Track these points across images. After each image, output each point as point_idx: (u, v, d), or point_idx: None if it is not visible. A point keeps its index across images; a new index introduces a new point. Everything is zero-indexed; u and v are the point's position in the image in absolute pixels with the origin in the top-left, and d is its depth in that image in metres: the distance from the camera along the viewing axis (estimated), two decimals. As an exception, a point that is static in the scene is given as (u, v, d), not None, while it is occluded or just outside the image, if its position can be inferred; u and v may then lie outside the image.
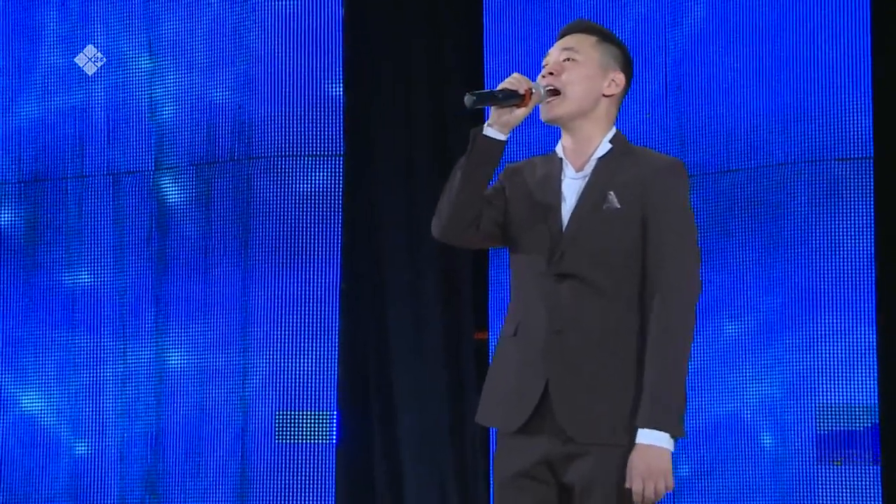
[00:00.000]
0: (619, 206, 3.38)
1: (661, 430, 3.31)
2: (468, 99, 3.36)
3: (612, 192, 3.39)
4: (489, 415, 3.49)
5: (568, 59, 3.46)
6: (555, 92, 3.44)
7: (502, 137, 3.38)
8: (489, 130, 3.38)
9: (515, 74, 3.39)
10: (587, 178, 3.44)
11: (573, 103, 3.45)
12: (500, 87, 3.36)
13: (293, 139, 6.56)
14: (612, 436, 3.34)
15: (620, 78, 3.49)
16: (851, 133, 5.85)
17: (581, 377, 3.35)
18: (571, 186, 3.45)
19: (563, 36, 3.51)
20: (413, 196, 6.82)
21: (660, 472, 3.29)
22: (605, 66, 3.47)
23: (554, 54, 3.49)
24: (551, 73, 3.45)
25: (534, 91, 3.39)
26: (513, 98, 3.36)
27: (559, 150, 3.51)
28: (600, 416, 3.34)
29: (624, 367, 3.36)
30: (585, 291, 3.37)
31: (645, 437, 3.31)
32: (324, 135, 6.54)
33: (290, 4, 6.59)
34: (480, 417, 3.51)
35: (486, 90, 3.37)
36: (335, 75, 6.57)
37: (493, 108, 3.38)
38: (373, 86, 6.81)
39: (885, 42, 5.89)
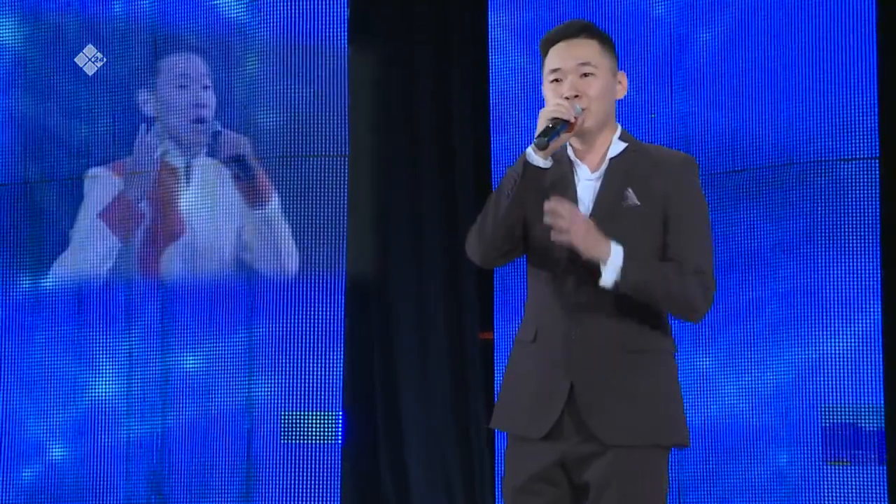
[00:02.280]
0: (638, 203, 3.40)
1: (623, 253, 3.33)
2: (541, 143, 3.34)
3: (630, 189, 3.41)
4: (510, 421, 3.48)
5: (586, 74, 3.45)
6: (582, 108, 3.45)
7: (548, 164, 3.38)
8: (536, 159, 3.36)
9: (561, 102, 3.39)
10: (602, 179, 3.45)
11: (599, 115, 3.46)
12: (550, 116, 3.35)
13: (299, 140, 6.56)
14: (639, 437, 3.36)
15: (625, 78, 3.53)
16: (857, 133, 5.84)
17: (606, 379, 3.37)
18: (587, 188, 3.46)
19: (560, 40, 3.49)
20: (418, 196, 6.82)
21: (586, 235, 3.32)
22: (614, 71, 3.50)
23: (569, 69, 3.46)
24: (577, 95, 3.43)
25: (577, 116, 3.41)
26: (566, 127, 3.38)
27: (570, 152, 3.50)
28: (627, 418, 3.35)
29: (648, 367, 3.38)
30: (606, 292, 3.37)
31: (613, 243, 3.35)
32: (329, 136, 6.54)
33: (295, 5, 6.60)
34: (499, 423, 3.51)
35: (547, 128, 3.35)
36: (340, 76, 6.57)
37: (539, 135, 3.37)
38: (377, 86, 6.81)
39: (890, 42, 5.89)
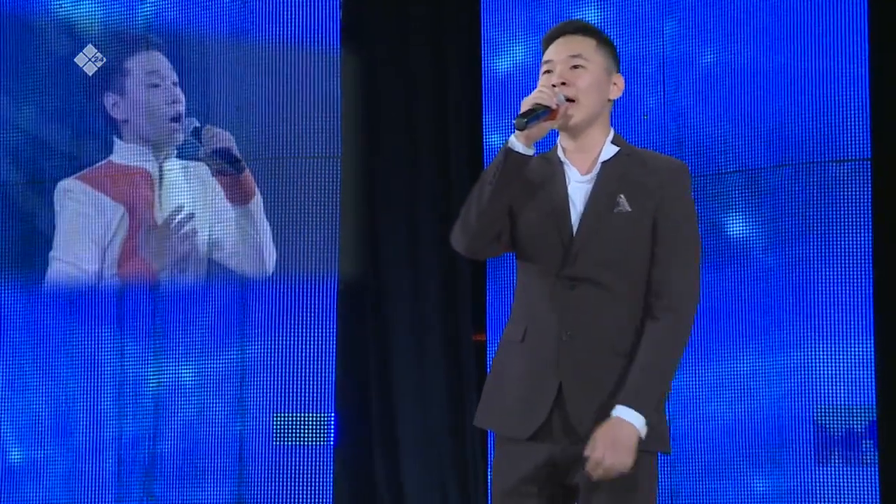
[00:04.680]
0: (629, 210, 3.39)
1: (639, 411, 3.31)
2: (520, 123, 3.34)
3: (622, 196, 3.40)
4: (497, 421, 3.47)
5: (577, 66, 3.45)
6: (569, 100, 3.43)
7: (530, 152, 3.38)
8: (518, 146, 3.36)
9: (544, 88, 3.40)
10: (594, 182, 3.44)
11: (587, 110, 3.45)
12: (533, 102, 3.36)
13: (291, 141, 6.56)
14: None
15: (621, 81, 3.51)
16: (849, 134, 5.85)
17: (594, 380, 3.36)
18: (579, 190, 3.44)
19: (558, 36, 3.50)
20: (413, 197, 6.82)
21: (624, 447, 3.29)
22: (608, 71, 3.49)
23: (560, 60, 3.47)
24: (563, 83, 3.43)
25: (559, 104, 3.40)
26: (547, 113, 3.37)
27: (560, 153, 3.50)
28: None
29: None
30: (597, 295, 3.37)
31: (622, 412, 3.31)
32: (322, 136, 6.54)
33: (288, 6, 6.60)
34: (483, 422, 3.50)
35: (528, 110, 3.35)
36: (333, 76, 6.57)
37: (518, 116, 3.37)
38: (372, 87, 6.81)
39: (882, 43, 5.89)
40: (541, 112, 3.35)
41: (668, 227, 3.39)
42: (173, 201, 6.65)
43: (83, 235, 6.69)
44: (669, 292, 3.36)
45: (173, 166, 6.66)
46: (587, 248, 3.38)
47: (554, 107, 3.38)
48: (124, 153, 6.71)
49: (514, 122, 3.34)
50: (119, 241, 6.67)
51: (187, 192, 6.65)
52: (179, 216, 6.56)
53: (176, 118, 6.65)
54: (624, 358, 3.36)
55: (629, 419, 3.30)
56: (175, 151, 6.67)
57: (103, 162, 6.74)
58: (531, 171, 3.44)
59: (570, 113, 3.43)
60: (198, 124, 6.62)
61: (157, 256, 6.63)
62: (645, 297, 3.39)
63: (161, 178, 6.67)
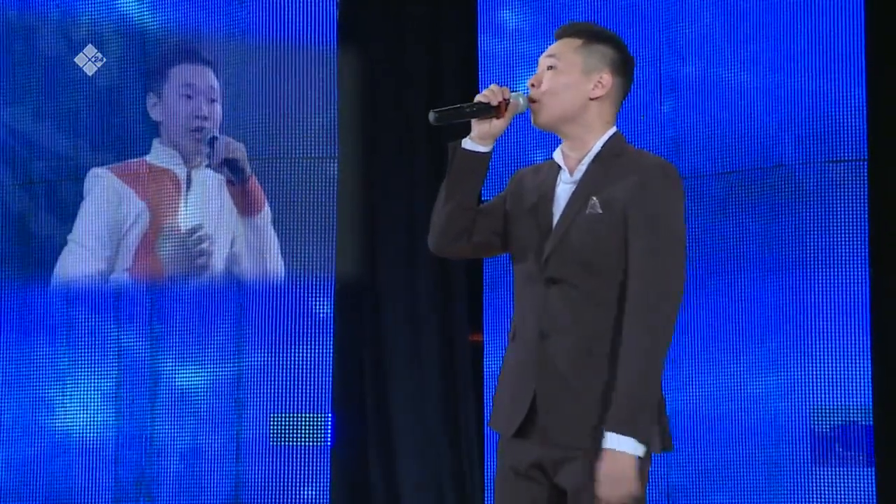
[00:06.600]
0: (600, 212, 3.35)
1: (626, 434, 3.26)
2: (432, 116, 3.32)
3: (594, 197, 3.36)
4: (494, 419, 3.50)
5: (550, 67, 3.43)
6: (532, 100, 3.42)
7: (484, 149, 3.37)
8: (469, 143, 3.36)
9: (492, 86, 3.39)
10: (577, 183, 3.41)
11: (553, 112, 3.42)
12: (475, 99, 3.35)
13: (288, 142, 6.56)
14: (599, 442, 3.31)
15: (607, 79, 3.44)
16: (846, 135, 5.86)
17: (566, 383, 3.33)
18: (564, 191, 3.43)
19: (556, 38, 3.50)
20: (409, 198, 6.82)
21: (623, 478, 3.25)
22: (589, 70, 3.43)
23: (541, 62, 3.47)
24: (533, 85, 3.43)
25: (511, 101, 3.37)
26: (485, 111, 3.34)
27: (557, 154, 3.49)
28: (586, 423, 3.31)
29: (610, 372, 3.32)
30: (572, 296, 3.35)
31: (614, 442, 3.27)
32: (319, 137, 6.54)
33: (284, 6, 6.60)
34: (491, 421, 3.53)
35: (452, 106, 3.32)
36: (330, 77, 6.57)
37: (472, 120, 3.35)
38: (368, 88, 6.81)
39: (878, 43, 5.90)
40: (470, 109, 3.33)
41: (637, 223, 3.32)
42: (198, 209, 6.65)
43: (100, 223, 6.71)
44: (636, 291, 3.30)
45: (202, 176, 6.67)
46: (560, 248, 3.36)
47: (495, 104, 3.34)
48: (159, 154, 6.72)
49: (429, 115, 3.33)
50: (135, 237, 6.69)
51: (216, 200, 6.65)
52: (200, 232, 6.58)
53: (197, 130, 6.67)
54: (599, 361, 3.32)
55: (622, 448, 3.25)
56: (206, 162, 6.68)
57: (138, 159, 6.75)
58: (534, 176, 3.46)
59: (540, 117, 3.42)
60: (216, 135, 6.63)
61: (171, 262, 6.64)
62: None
63: (189, 184, 6.68)
